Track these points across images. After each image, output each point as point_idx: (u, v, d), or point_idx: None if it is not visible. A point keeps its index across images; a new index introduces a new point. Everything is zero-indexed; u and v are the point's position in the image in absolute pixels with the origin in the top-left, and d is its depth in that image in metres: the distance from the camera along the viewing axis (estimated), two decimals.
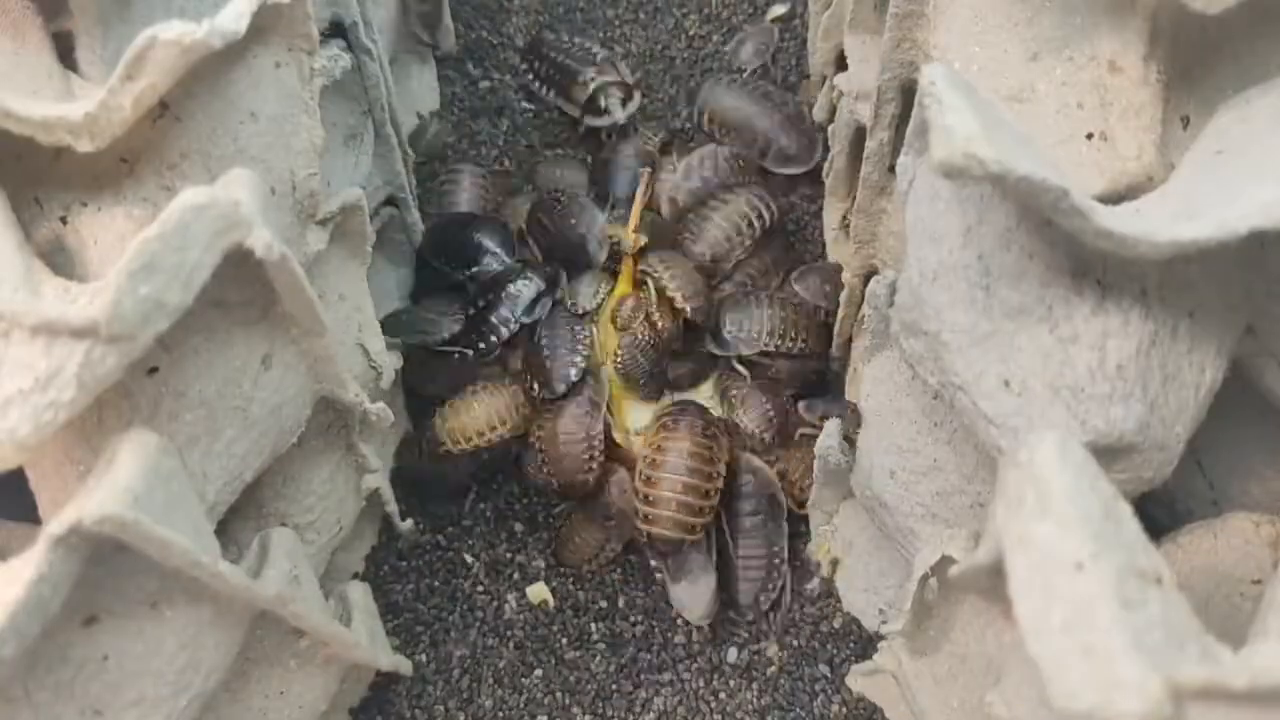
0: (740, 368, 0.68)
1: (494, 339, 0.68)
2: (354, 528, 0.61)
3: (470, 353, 0.68)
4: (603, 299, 0.69)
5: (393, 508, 0.65)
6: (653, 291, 0.67)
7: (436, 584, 0.67)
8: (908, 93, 0.53)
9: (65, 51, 0.45)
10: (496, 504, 0.70)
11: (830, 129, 0.69)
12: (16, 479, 0.42)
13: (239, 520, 0.52)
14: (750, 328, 0.67)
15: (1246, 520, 0.45)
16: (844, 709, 0.61)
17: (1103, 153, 0.43)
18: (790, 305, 0.68)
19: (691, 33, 0.83)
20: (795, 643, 0.64)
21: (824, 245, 0.73)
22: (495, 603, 0.66)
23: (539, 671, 0.64)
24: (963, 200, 0.40)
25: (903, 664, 0.54)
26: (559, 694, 0.63)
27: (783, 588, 0.65)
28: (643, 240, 0.69)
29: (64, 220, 0.43)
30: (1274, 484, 0.47)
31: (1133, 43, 0.42)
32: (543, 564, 0.67)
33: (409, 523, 0.67)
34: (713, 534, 0.64)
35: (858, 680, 0.62)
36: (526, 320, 0.68)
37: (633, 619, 0.65)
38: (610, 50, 0.81)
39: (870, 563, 0.62)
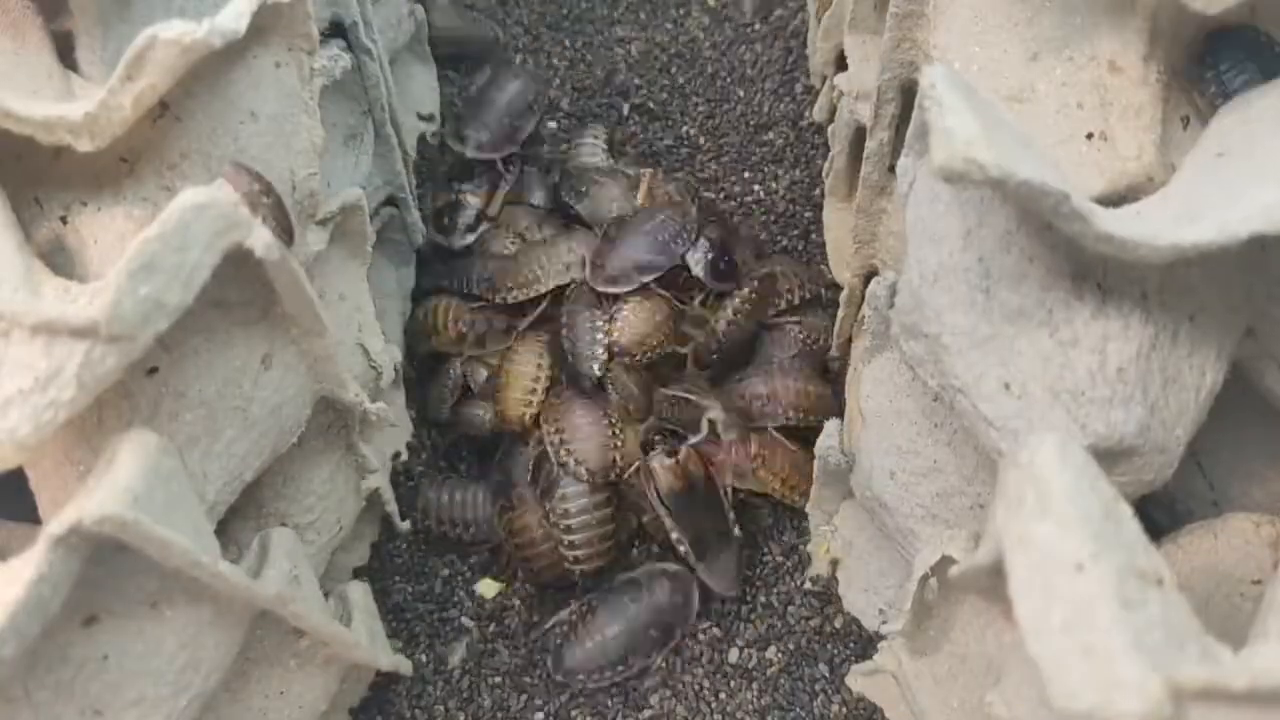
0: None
1: None
2: (354, 528, 0.61)
3: None
4: None
5: (393, 508, 0.65)
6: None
7: (437, 584, 0.67)
8: (908, 93, 0.53)
9: (65, 51, 0.45)
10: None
11: (830, 129, 0.69)
12: (16, 479, 0.42)
13: (239, 520, 0.52)
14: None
15: (1246, 520, 0.45)
16: (844, 709, 0.61)
17: (1103, 153, 0.43)
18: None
19: (692, 32, 0.83)
20: (795, 643, 0.64)
21: (824, 245, 0.73)
22: (495, 603, 0.66)
23: (539, 671, 0.64)
24: (963, 203, 0.40)
25: (903, 664, 0.54)
26: (559, 694, 0.63)
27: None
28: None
29: (64, 220, 0.43)
30: (1274, 485, 0.47)
31: (1133, 43, 0.42)
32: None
33: (409, 523, 0.67)
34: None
35: (858, 680, 0.62)
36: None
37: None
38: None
39: (870, 563, 0.62)
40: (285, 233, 0.44)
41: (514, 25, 0.84)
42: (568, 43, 0.83)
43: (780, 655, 0.63)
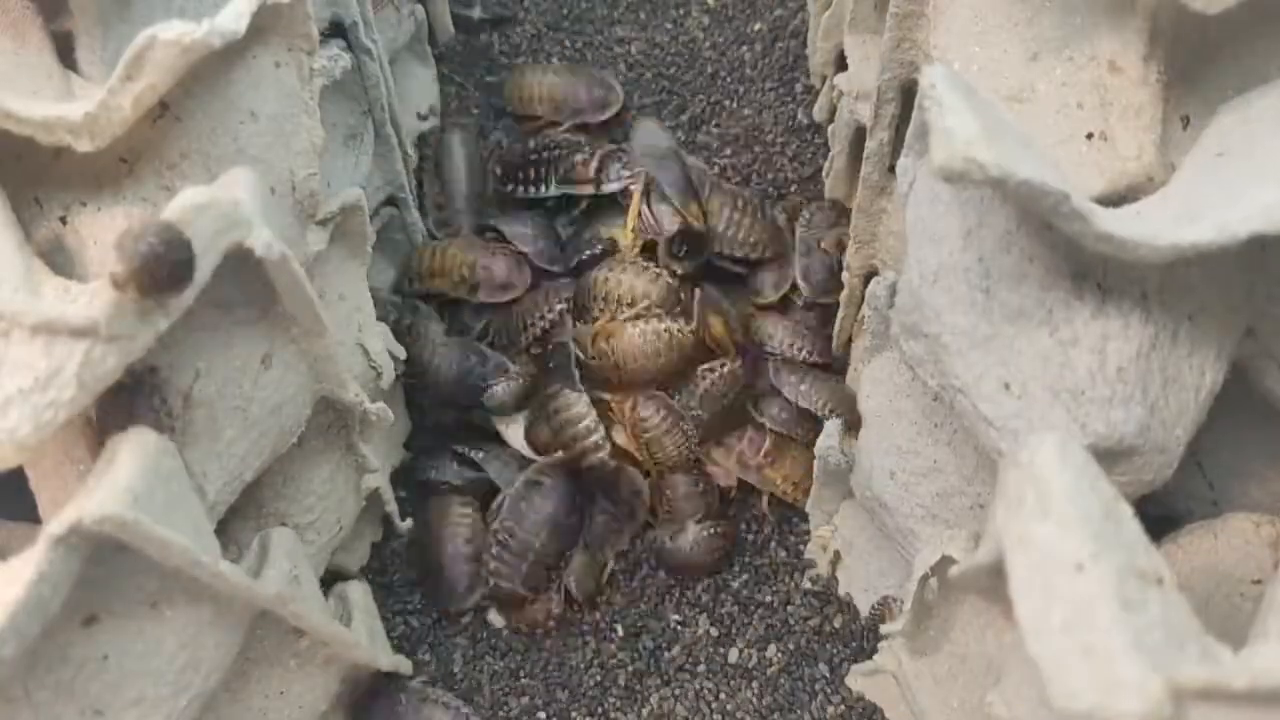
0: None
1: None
2: (354, 528, 0.61)
3: None
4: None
5: (393, 508, 0.65)
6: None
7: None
8: (908, 93, 0.53)
9: (65, 51, 0.45)
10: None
11: (830, 129, 0.69)
12: (16, 479, 0.42)
13: (239, 520, 0.52)
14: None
15: (1246, 520, 0.45)
16: (844, 709, 0.61)
17: (1103, 153, 0.43)
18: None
19: (692, 32, 0.83)
20: (795, 643, 0.64)
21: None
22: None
23: (539, 672, 0.64)
24: (963, 203, 0.40)
25: (903, 664, 0.54)
26: (559, 694, 0.63)
27: None
28: (640, 242, 0.69)
29: (64, 220, 0.43)
30: (1274, 485, 0.47)
31: (1133, 43, 0.42)
32: None
33: (409, 522, 0.67)
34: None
35: (858, 680, 0.62)
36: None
37: (633, 619, 0.65)
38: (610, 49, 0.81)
39: (870, 563, 0.62)
40: None
41: (515, 25, 0.83)
42: (568, 43, 0.83)
43: (780, 655, 0.63)
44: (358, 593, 0.58)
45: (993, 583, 0.39)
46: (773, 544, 0.67)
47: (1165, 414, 0.39)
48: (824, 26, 0.70)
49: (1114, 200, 0.41)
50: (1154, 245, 0.33)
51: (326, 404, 0.53)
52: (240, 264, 0.40)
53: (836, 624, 0.64)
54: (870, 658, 0.60)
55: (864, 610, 0.64)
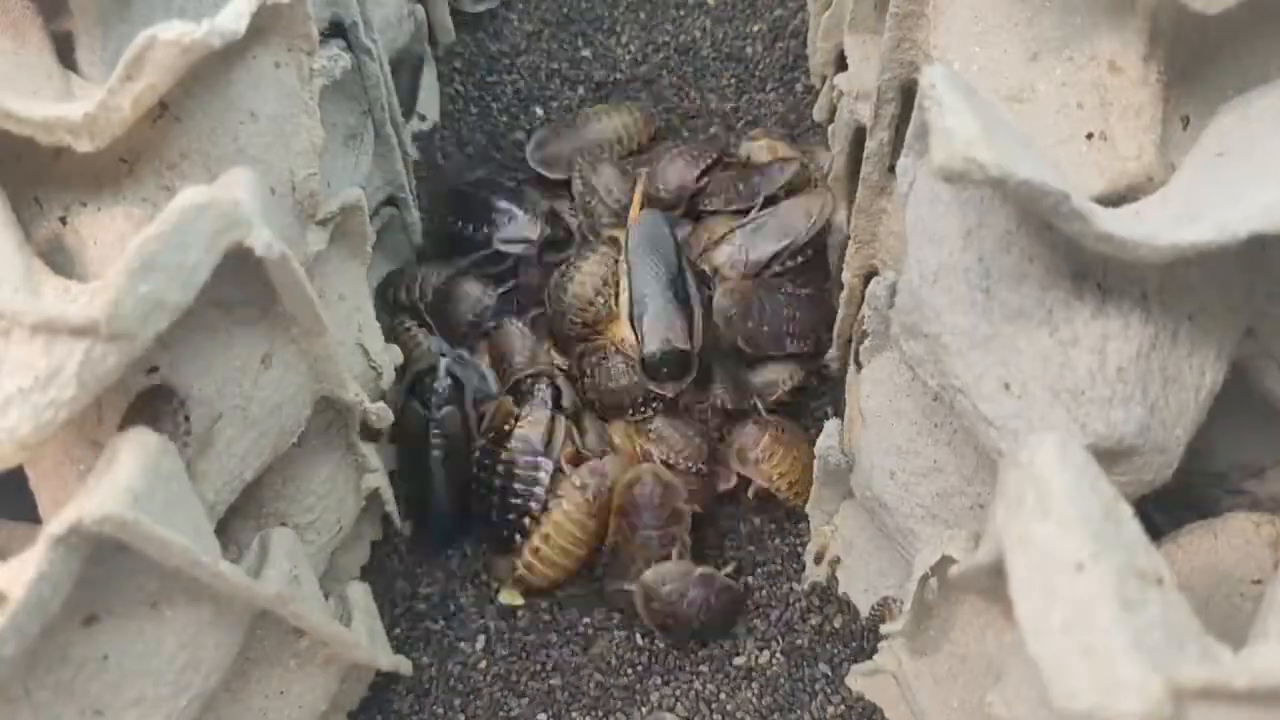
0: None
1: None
2: (354, 528, 0.61)
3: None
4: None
5: (392, 508, 0.65)
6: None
7: (437, 584, 0.67)
8: (908, 93, 0.53)
9: (65, 51, 0.45)
10: None
11: (830, 129, 0.69)
12: (16, 479, 0.42)
13: (239, 520, 0.52)
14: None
15: (1246, 520, 0.45)
16: (844, 709, 0.61)
17: (1103, 153, 0.43)
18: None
19: (692, 32, 0.83)
20: (795, 643, 0.64)
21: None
22: (496, 603, 0.66)
23: (539, 672, 0.64)
24: (963, 203, 0.40)
25: (903, 664, 0.54)
26: (559, 694, 0.63)
27: None
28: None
29: (64, 220, 0.43)
30: (1274, 485, 0.47)
31: (1133, 43, 0.42)
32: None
33: (409, 522, 0.67)
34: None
35: (858, 680, 0.62)
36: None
37: (633, 619, 0.65)
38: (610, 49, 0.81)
39: (870, 563, 0.62)
40: None
41: (515, 25, 0.83)
42: (568, 43, 0.83)
43: (780, 655, 0.63)
44: (358, 593, 0.58)
45: (993, 583, 0.39)
46: (772, 544, 0.67)
47: (1165, 414, 0.39)
48: (824, 26, 0.70)
49: (1114, 200, 0.41)
50: (1154, 245, 0.33)
51: (326, 404, 0.53)
52: (240, 264, 0.40)
53: (836, 624, 0.64)
54: (870, 658, 0.60)
55: (864, 610, 0.64)
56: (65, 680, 0.39)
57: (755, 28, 0.83)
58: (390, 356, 0.62)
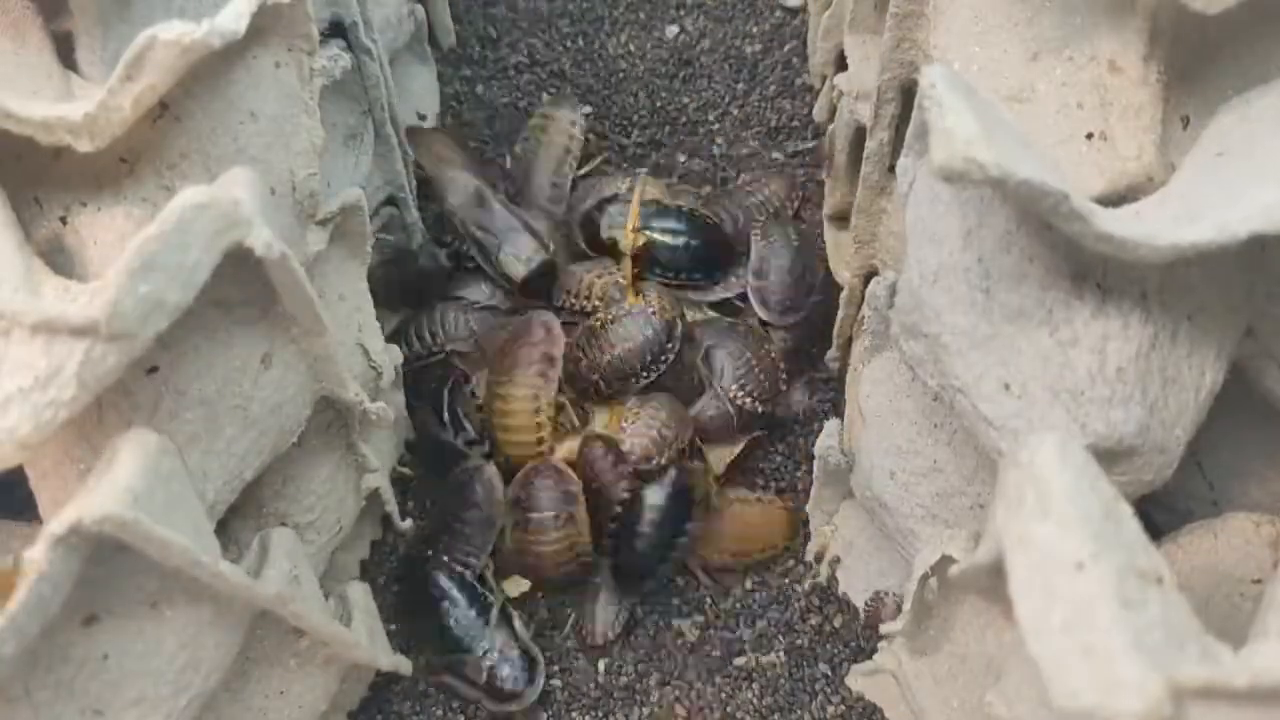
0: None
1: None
2: (354, 528, 0.61)
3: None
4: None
5: (393, 507, 0.65)
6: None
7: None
8: (908, 93, 0.53)
9: (65, 51, 0.45)
10: None
11: (830, 129, 0.69)
12: (16, 479, 0.42)
13: (239, 520, 0.52)
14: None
15: (1246, 520, 0.45)
16: (844, 709, 0.61)
17: (1103, 153, 0.43)
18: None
19: (692, 32, 0.83)
20: (795, 643, 0.64)
21: (824, 244, 0.73)
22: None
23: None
24: (963, 203, 0.40)
25: (903, 664, 0.54)
26: (559, 694, 0.63)
27: None
28: (641, 240, 0.69)
29: (64, 220, 0.43)
30: (1274, 485, 0.47)
31: (1133, 43, 0.42)
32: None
33: (409, 522, 0.67)
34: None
35: (858, 680, 0.62)
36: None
37: (633, 619, 0.65)
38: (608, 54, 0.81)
39: (870, 563, 0.62)
40: None
41: (515, 25, 0.83)
42: (568, 43, 0.83)
43: (780, 655, 0.63)
44: (358, 593, 0.58)
45: (993, 583, 0.39)
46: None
47: (1165, 414, 0.39)
48: (824, 26, 0.70)
49: (1114, 200, 0.41)
50: (1154, 245, 0.33)
51: (326, 404, 0.53)
52: (240, 264, 0.40)
53: (836, 624, 0.64)
54: (870, 658, 0.60)
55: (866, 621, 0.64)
56: (65, 680, 0.39)
57: (755, 28, 0.83)
58: (390, 356, 0.62)
